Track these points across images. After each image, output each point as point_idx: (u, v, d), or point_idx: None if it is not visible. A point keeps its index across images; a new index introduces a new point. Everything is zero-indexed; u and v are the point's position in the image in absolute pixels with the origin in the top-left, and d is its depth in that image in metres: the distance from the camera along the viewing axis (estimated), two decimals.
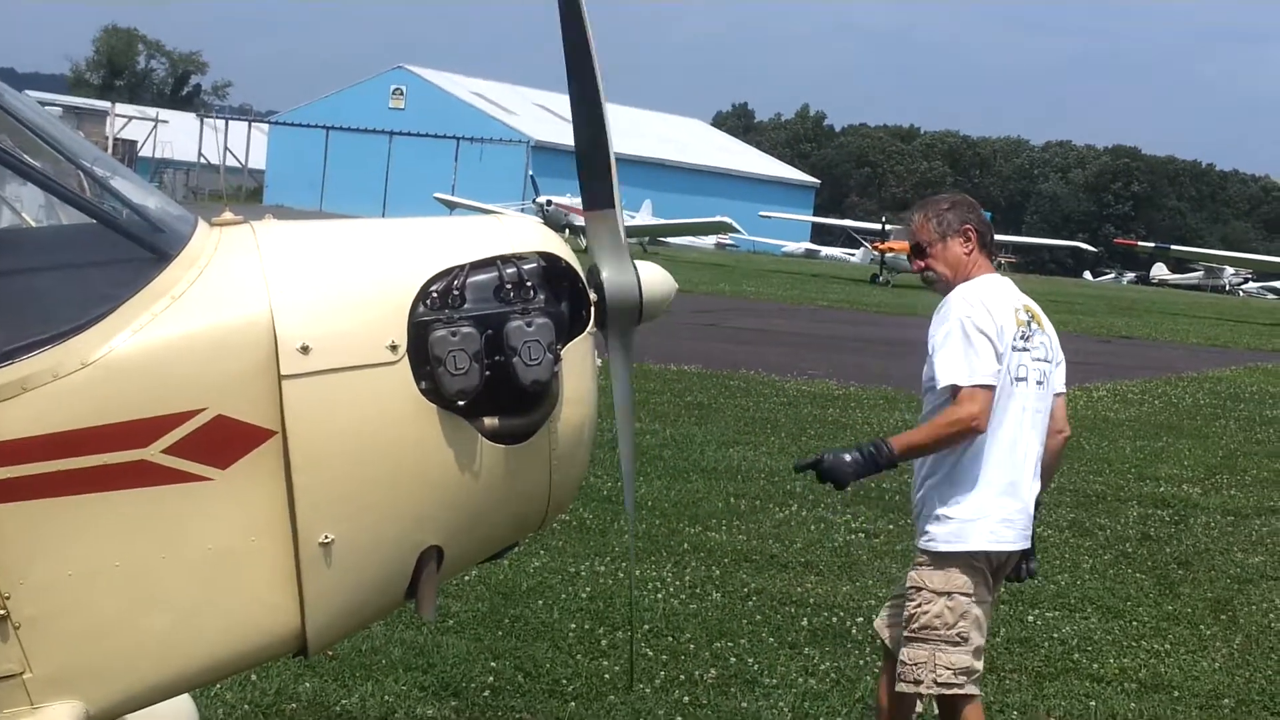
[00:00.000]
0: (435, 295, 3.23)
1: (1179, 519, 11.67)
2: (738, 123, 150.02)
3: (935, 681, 5.01)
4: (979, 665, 5.11)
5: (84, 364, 2.96)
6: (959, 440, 4.97)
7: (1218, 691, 7.18)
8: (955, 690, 5.02)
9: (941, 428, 4.97)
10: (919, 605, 5.03)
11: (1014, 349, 5.06)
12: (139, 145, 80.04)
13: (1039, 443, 5.17)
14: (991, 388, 4.96)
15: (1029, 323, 5.16)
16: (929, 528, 5.07)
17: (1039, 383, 5.14)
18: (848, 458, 4.99)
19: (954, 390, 4.95)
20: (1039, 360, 5.15)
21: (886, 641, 5.30)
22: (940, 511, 5.04)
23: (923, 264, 5.29)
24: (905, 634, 5.06)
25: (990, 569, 5.10)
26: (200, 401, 3.03)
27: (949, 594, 5.01)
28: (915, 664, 5.02)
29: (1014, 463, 5.07)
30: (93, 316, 3.01)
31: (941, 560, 5.03)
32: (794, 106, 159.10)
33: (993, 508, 5.03)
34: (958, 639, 5.00)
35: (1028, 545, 5.17)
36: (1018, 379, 5.07)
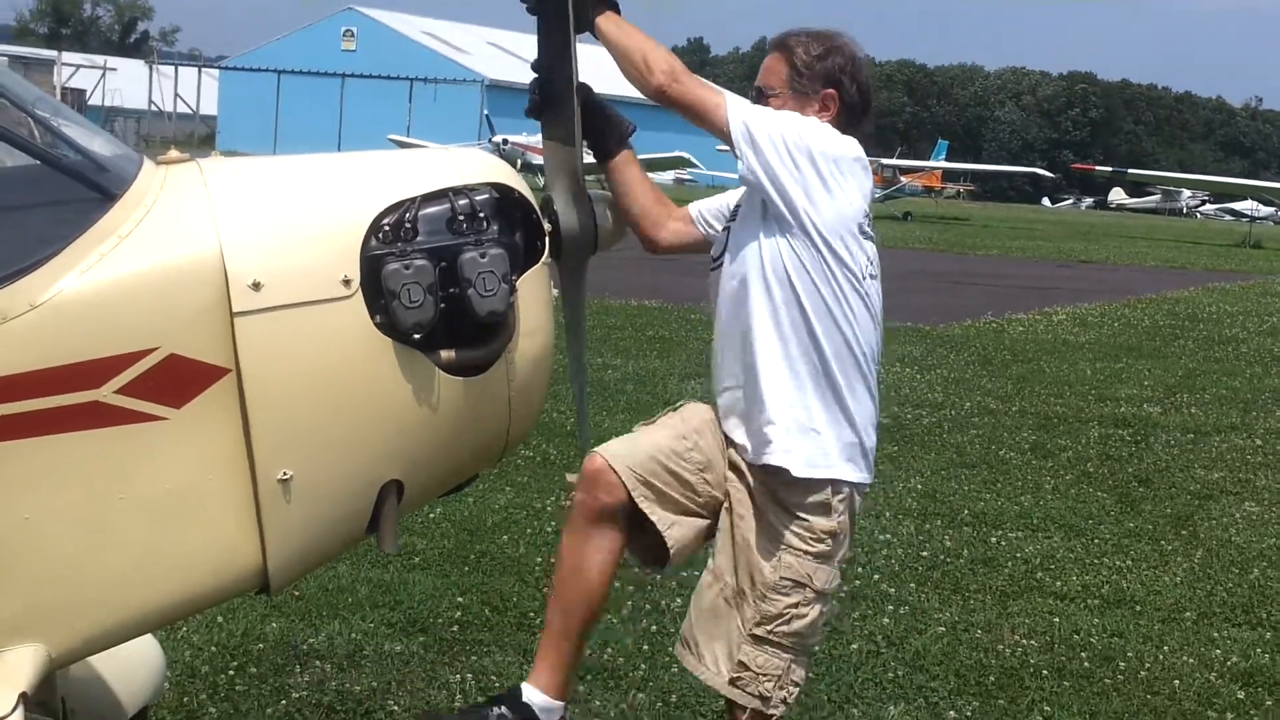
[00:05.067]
0: (387, 228, 3.20)
1: (1139, 438, 11.78)
2: (694, 57, 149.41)
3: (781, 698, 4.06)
4: None
5: (32, 306, 2.92)
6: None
7: (1179, 605, 7.27)
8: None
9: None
10: (799, 603, 4.02)
11: (864, 234, 3.92)
12: (88, 94, 78.94)
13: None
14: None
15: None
16: None
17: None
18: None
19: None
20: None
21: None
22: None
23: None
24: (754, 633, 4.00)
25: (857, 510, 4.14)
26: (152, 341, 2.99)
27: None
28: (766, 673, 4.04)
29: (874, 376, 4.06)
30: (39, 258, 2.96)
31: None
32: (751, 39, 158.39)
33: (863, 431, 4.06)
34: None
35: None
36: (872, 276, 3.94)
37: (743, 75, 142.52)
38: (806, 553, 3.91)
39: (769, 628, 3.94)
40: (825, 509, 3.90)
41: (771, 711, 3.97)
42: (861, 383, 3.90)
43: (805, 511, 3.91)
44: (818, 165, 3.76)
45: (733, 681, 3.97)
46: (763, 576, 3.94)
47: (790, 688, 3.97)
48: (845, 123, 3.93)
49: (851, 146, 3.86)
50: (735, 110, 3.81)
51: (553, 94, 3.81)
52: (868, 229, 3.89)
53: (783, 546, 3.93)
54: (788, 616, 3.93)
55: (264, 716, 5.29)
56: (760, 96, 4.00)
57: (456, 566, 7.15)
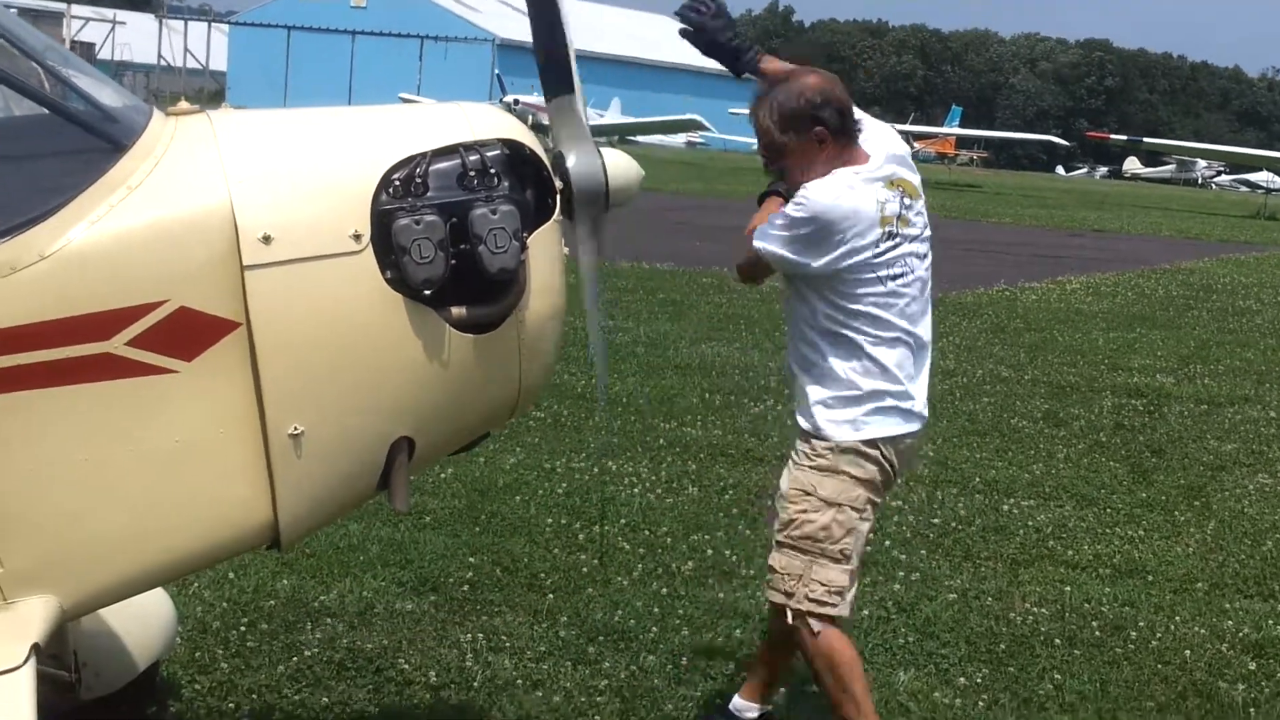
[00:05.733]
0: (398, 183, 3.16)
1: (1152, 408, 11.73)
2: None
3: (807, 597, 4.63)
4: None
5: (42, 256, 2.89)
6: None
7: (1191, 575, 7.24)
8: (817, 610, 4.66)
9: None
10: (805, 510, 4.66)
11: (878, 252, 4.49)
12: (97, 48, 78.81)
13: (929, 325, 4.78)
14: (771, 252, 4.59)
15: (902, 203, 4.56)
16: None
17: (921, 258, 4.64)
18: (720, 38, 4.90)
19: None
20: (919, 239, 4.62)
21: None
22: None
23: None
24: (777, 540, 4.67)
25: (891, 464, 4.71)
26: (162, 293, 2.96)
27: None
28: (786, 574, 4.66)
29: (912, 353, 4.67)
30: (49, 208, 2.93)
31: None
32: (763, 1, 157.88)
33: (893, 398, 4.67)
34: None
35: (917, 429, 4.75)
36: (894, 277, 4.55)
37: (755, 37, 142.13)
38: (809, 466, 4.59)
39: (784, 533, 4.60)
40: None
41: (797, 607, 4.55)
42: (874, 360, 4.56)
43: (811, 437, 4.63)
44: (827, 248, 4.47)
45: (766, 584, 4.69)
46: (780, 491, 4.68)
47: (816, 587, 4.54)
48: (840, 135, 4.51)
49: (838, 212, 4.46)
50: (764, 248, 4.55)
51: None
52: (889, 239, 4.50)
53: (794, 465, 4.67)
54: (798, 521, 4.57)
55: (275, 673, 5.28)
56: (769, 155, 4.60)
57: (467, 526, 7.14)
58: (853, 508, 4.56)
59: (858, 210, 4.45)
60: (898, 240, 4.52)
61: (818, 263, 4.47)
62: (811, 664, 4.62)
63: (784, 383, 4.81)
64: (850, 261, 4.47)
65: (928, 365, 4.70)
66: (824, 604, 4.54)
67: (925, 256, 4.62)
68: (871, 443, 4.55)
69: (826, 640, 4.56)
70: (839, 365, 4.54)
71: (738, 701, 5.07)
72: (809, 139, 4.48)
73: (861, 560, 4.76)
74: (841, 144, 4.51)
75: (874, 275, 4.51)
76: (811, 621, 4.54)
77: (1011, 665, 5.86)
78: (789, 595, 4.55)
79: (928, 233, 4.65)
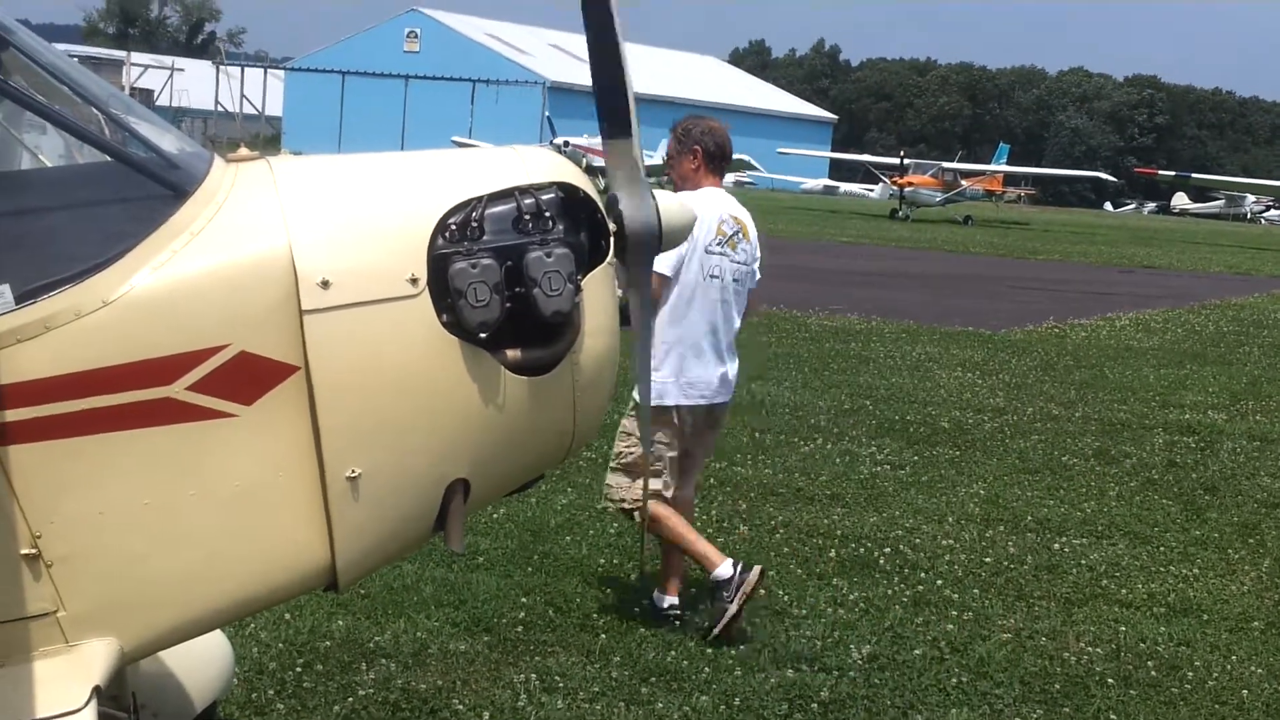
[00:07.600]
0: (454, 227, 3.19)
1: (1205, 445, 11.63)
2: (755, 60, 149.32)
3: (631, 499, 6.42)
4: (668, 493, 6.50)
5: (105, 302, 2.93)
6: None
7: (1247, 614, 7.17)
8: (637, 506, 6.42)
9: None
10: (627, 445, 6.52)
11: (708, 251, 6.32)
12: (156, 95, 79.98)
13: (732, 328, 6.51)
14: (663, 276, 6.14)
15: (735, 234, 6.41)
16: None
17: (735, 280, 6.44)
18: None
19: None
20: (738, 264, 6.44)
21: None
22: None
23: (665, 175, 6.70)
24: (611, 466, 6.57)
25: (688, 420, 6.48)
26: (223, 338, 3.00)
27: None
28: (618, 488, 6.50)
29: (709, 342, 6.40)
30: (112, 255, 2.98)
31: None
32: (810, 41, 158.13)
33: (688, 374, 6.39)
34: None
35: (719, 401, 6.55)
36: (711, 276, 6.36)
37: (800, 78, 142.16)
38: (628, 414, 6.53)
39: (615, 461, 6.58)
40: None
41: (629, 507, 6.49)
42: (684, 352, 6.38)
43: None
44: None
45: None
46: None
47: (636, 490, 6.42)
48: (708, 160, 6.51)
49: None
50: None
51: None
52: (714, 249, 6.38)
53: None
54: (622, 453, 6.53)
55: (331, 713, 5.32)
56: (669, 156, 6.56)
57: (520, 567, 7.16)
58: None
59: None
60: (722, 253, 6.34)
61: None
62: (660, 533, 6.46)
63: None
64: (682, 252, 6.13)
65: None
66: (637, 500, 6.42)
67: (739, 279, 6.42)
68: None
69: (655, 512, 6.37)
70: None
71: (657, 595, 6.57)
72: (689, 152, 6.45)
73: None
74: (708, 162, 6.47)
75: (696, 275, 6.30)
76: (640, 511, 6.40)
77: (1066, 706, 5.82)
78: (623, 500, 6.45)
79: (751, 266, 6.50)
